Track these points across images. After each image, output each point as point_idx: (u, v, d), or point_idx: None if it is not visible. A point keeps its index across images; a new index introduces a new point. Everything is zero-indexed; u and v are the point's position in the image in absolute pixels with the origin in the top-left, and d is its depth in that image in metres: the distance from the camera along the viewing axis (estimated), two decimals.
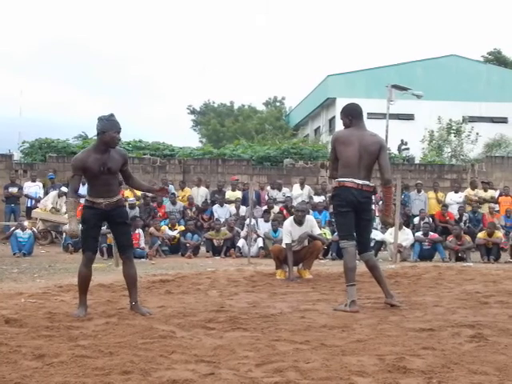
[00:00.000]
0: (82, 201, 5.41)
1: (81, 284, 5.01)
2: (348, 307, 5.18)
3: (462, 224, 13.26)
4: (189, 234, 12.39)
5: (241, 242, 12.23)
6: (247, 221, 11.82)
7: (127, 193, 13.25)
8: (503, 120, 28.77)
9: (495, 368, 3.25)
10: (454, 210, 14.23)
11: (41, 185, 15.38)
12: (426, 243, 11.82)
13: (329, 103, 30.62)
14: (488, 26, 64.99)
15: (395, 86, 18.40)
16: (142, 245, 11.73)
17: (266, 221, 12.67)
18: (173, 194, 14.64)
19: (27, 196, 15.10)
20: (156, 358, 3.42)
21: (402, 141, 20.88)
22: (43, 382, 2.98)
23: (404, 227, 12.11)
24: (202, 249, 12.57)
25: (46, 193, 14.76)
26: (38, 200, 14.72)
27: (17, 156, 17.76)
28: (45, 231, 14.09)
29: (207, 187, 15.57)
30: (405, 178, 16.14)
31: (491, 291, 6.36)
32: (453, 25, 69.06)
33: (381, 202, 10.55)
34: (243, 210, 13.86)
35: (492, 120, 28.50)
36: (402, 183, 12.49)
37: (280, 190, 15.00)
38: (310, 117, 34.88)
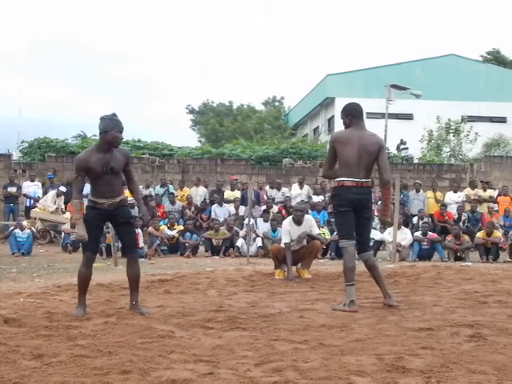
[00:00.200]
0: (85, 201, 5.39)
1: (80, 284, 5.00)
2: (347, 307, 5.18)
3: (460, 224, 13.26)
4: (188, 234, 12.39)
5: (240, 242, 12.23)
6: (246, 220, 11.82)
7: (126, 192, 13.22)
8: (502, 120, 28.76)
9: (494, 367, 3.25)
10: (452, 210, 14.23)
11: (40, 184, 15.38)
12: (425, 243, 11.83)
13: (328, 103, 30.61)
14: (487, 26, 65.02)
15: (394, 86, 18.39)
16: (141, 244, 11.72)
17: (265, 220, 12.68)
18: (171, 193, 14.65)
19: (26, 196, 15.09)
20: (155, 358, 3.42)
21: (401, 140, 20.89)
22: (42, 381, 2.97)
23: (403, 227, 12.12)
24: (201, 248, 12.56)
25: (45, 192, 14.75)
26: (36, 200, 14.70)
27: (16, 156, 17.75)
28: (44, 231, 14.08)
29: (206, 187, 15.57)
30: (403, 177, 16.13)
31: (490, 291, 6.36)
32: (452, 24, 69.14)
33: (380, 202, 10.56)
34: (242, 209, 13.86)
35: (491, 120, 28.50)
36: (400, 183, 12.49)
37: (279, 189, 15.00)
38: (308, 116, 34.86)
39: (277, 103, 44.88)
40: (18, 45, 74.85)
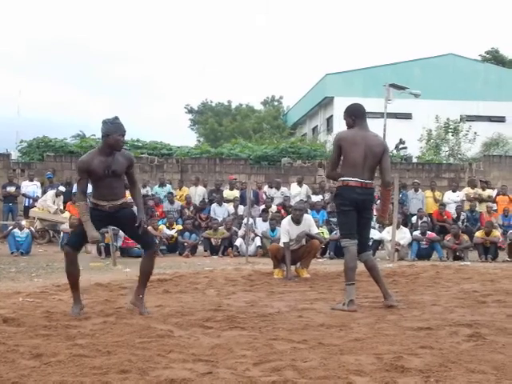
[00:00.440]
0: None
1: (70, 281, 4.99)
2: (346, 306, 5.18)
3: (459, 223, 13.28)
4: (186, 233, 12.39)
5: (239, 241, 12.23)
6: (245, 220, 11.82)
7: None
8: (501, 119, 28.76)
9: (493, 367, 3.25)
10: (451, 209, 14.24)
11: (38, 184, 15.38)
12: (424, 242, 11.83)
13: (326, 102, 30.60)
14: (485, 25, 65.15)
15: (393, 85, 18.40)
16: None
17: (264, 220, 12.68)
18: (170, 193, 14.65)
19: (25, 195, 15.09)
20: (154, 357, 3.42)
21: (400, 140, 20.90)
22: (41, 381, 2.97)
23: (401, 226, 12.12)
24: (200, 248, 12.56)
25: (44, 192, 14.75)
26: (35, 199, 14.70)
27: (14, 155, 17.76)
28: (42, 230, 14.07)
29: (205, 186, 15.58)
30: (402, 177, 16.13)
31: (489, 290, 6.37)
32: (450, 24, 69.11)
33: (378, 202, 10.56)
34: (241, 209, 13.86)
35: (490, 119, 28.50)
36: (399, 182, 12.51)
37: (278, 188, 15.00)
38: (307, 116, 34.85)
39: (276, 103, 44.89)
40: (18, 45, 74.81)
